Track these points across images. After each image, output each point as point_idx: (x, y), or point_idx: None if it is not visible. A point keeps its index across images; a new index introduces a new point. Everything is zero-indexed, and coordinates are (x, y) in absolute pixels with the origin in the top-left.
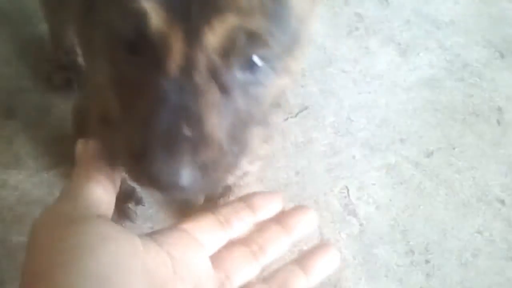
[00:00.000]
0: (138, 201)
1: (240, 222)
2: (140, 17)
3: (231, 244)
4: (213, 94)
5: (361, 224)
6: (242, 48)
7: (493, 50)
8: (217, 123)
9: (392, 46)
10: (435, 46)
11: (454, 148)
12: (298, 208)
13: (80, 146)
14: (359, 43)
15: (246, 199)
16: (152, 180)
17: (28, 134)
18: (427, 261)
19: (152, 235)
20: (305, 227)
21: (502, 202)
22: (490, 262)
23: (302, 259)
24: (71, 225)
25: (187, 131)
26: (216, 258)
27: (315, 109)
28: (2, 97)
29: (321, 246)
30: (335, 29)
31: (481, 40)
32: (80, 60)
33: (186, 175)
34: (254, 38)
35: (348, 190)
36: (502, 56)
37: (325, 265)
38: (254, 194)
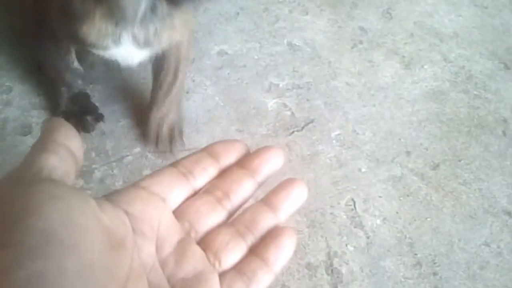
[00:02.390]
0: (98, 118)
1: (204, 172)
2: None
3: (195, 194)
4: None
5: (368, 237)
6: None
7: (497, 61)
8: None
9: (396, 59)
10: (439, 58)
11: (460, 160)
12: (263, 148)
13: (44, 123)
14: (363, 56)
15: (207, 149)
16: None
17: None
18: (434, 274)
19: (108, 196)
20: (269, 166)
21: (509, 214)
22: (498, 274)
23: (268, 197)
24: (18, 189)
25: None
26: (180, 210)
27: (320, 122)
28: (17, 114)
29: (287, 181)
30: (339, 43)
31: (485, 52)
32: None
33: None
34: None
35: (354, 203)
36: (506, 67)
37: (293, 200)
38: (214, 143)
